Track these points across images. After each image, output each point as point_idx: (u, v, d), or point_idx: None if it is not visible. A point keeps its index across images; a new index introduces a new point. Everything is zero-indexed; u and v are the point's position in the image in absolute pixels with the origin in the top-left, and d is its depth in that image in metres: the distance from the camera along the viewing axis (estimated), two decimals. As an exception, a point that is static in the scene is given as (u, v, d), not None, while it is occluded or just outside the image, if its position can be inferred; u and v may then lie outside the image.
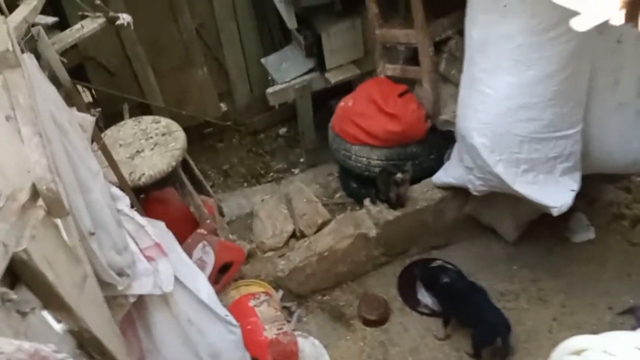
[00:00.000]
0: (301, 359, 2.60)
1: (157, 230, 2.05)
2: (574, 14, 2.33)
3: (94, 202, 1.69)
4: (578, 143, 2.67)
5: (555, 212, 2.64)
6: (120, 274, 1.81)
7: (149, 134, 2.78)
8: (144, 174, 2.56)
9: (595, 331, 2.84)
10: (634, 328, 2.82)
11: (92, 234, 1.64)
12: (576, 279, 3.14)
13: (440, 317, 3.00)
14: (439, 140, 3.33)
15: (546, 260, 3.27)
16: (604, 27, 2.49)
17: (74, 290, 1.39)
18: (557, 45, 2.40)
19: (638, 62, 2.52)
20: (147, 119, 2.93)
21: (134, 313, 2.04)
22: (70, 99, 2.28)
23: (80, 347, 1.47)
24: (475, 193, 2.95)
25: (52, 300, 1.30)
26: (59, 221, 1.38)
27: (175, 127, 2.83)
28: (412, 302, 3.14)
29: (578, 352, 1.03)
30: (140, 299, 1.97)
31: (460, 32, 2.99)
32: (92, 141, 2.32)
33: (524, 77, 2.51)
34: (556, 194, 2.67)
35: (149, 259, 1.95)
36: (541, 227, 3.35)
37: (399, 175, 3.02)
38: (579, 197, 2.81)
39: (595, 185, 3.53)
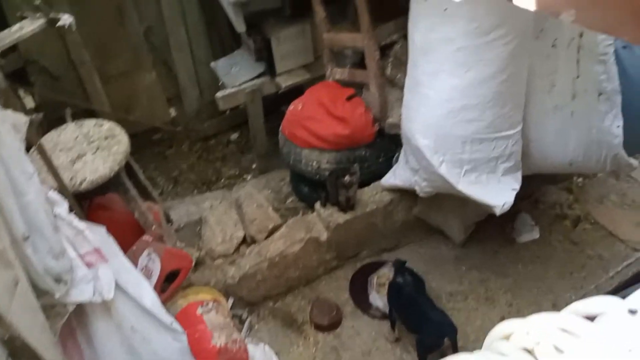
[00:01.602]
0: (251, 366, 2.57)
1: (97, 235, 2.00)
2: (511, 17, 2.42)
3: (28, 205, 1.63)
4: (518, 143, 2.75)
5: (497, 211, 2.70)
6: (58, 280, 1.75)
7: (91, 137, 2.70)
8: (85, 179, 2.48)
9: (539, 328, 2.94)
10: (576, 323, 2.92)
11: (26, 237, 1.59)
12: (522, 278, 3.23)
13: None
14: (387, 144, 3.37)
15: (493, 261, 3.35)
16: (540, 32, 2.61)
17: (3, 296, 1.34)
18: (495, 48, 2.48)
19: (571, 66, 2.62)
20: (90, 122, 2.85)
21: (74, 322, 1.98)
22: (6, 102, 2.21)
23: (13, 356, 1.42)
24: (421, 194, 3.00)
25: (-21, 307, 1.24)
26: (-15, 224, 1.33)
27: (118, 130, 2.76)
28: (363, 305, 3.15)
29: (507, 337, 1.06)
30: (81, 307, 1.91)
31: (406, 37, 3.03)
32: (30, 145, 2.25)
33: (464, 80, 2.57)
34: (498, 193, 2.73)
35: (89, 264, 1.89)
36: (488, 228, 3.43)
37: (346, 177, 3.03)
38: (524, 198, 2.89)
39: (539, 187, 3.65)
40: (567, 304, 2.96)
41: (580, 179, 3.72)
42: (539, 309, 3.04)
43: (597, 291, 2.93)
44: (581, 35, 2.55)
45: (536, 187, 3.59)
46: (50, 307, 1.79)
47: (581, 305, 1.02)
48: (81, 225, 1.93)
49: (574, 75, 2.61)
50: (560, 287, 3.14)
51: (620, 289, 2.90)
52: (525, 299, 3.11)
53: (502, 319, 3.03)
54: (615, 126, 2.61)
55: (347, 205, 3.18)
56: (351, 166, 3.17)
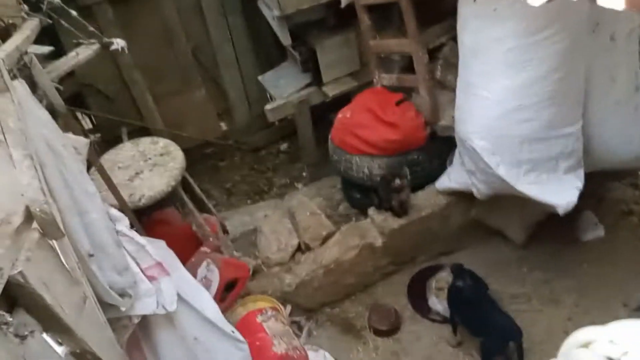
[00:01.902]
0: (312, 373, 2.57)
1: (158, 249, 2.04)
2: (562, 15, 2.36)
3: (92, 224, 1.68)
4: (579, 141, 2.65)
5: (561, 211, 2.61)
6: (122, 294, 1.80)
7: (147, 155, 2.78)
8: (143, 195, 2.55)
9: (610, 329, 2.81)
10: (650, 323, 2.78)
11: (91, 255, 1.64)
12: (588, 277, 3.10)
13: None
14: (440, 146, 3.32)
15: (557, 261, 3.23)
16: (596, 26, 2.52)
17: (73, 312, 1.38)
18: (548, 46, 2.41)
19: (632, 57, 2.53)
20: (145, 140, 2.93)
21: (139, 334, 2.02)
22: (67, 125, 2.30)
23: (83, 369, 1.46)
24: (479, 197, 2.93)
25: (52, 323, 1.29)
26: (54, 243, 1.38)
27: (173, 147, 2.83)
28: (422, 309, 3.11)
29: (586, 345, 0.99)
30: (145, 319, 1.96)
31: (454, 38, 2.99)
32: (91, 165, 2.34)
33: (518, 79, 2.51)
34: (561, 192, 2.64)
35: (151, 278, 1.94)
36: (550, 228, 3.31)
37: (397, 180, 3.00)
38: (587, 195, 2.78)
39: (602, 183, 3.50)
40: (638, 303, 2.83)
41: (645, 174, 3.54)
42: (609, 308, 2.91)
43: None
44: (641, 25, 2.45)
45: (599, 183, 3.44)
46: (116, 320, 1.84)
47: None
48: (142, 240, 1.98)
49: (636, 67, 2.51)
50: (630, 285, 2.99)
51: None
52: (593, 299, 2.97)
53: (569, 320, 2.93)
54: (682, 117, 2.49)
55: (400, 210, 3.14)
56: (402, 170, 3.14)
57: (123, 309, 1.79)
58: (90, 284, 1.64)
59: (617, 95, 2.61)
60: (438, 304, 3.03)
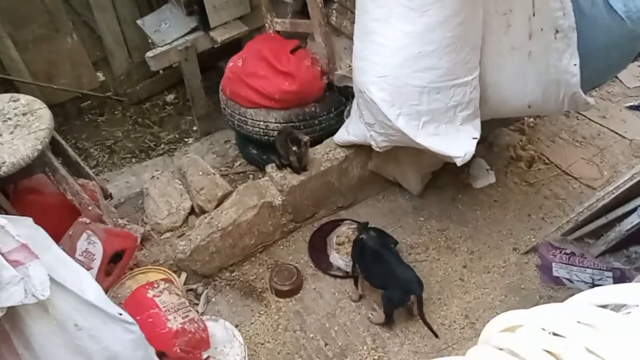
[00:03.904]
0: (212, 344, 2.41)
1: (23, 228, 1.75)
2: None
3: None
4: (476, 90, 2.63)
5: (459, 162, 2.61)
6: (-21, 287, 1.53)
7: (7, 114, 2.37)
8: (4, 163, 2.18)
9: (503, 273, 2.92)
10: (537, 266, 2.93)
11: None
12: (481, 224, 3.20)
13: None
14: (338, 97, 3.20)
15: (451, 209, 3.30)
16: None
17: None
18: (450, -12, 2.32)
19: (526, 3, 2.49)
20: (3, 97, 2.51)
21: (6, 327, 1.75)
22: None
23: None
24: (377, 149, 2.86)
25: None
26: None
27: (38, 104, 2.44)
28: (324, 266, 3.05)
29: (512, 329, 0.91)
30: (13, 310, 1.69)
31: (350, -20, 2.83)
32: None
33: (418, 25, 2.41)
34: (458, 143, 2.63)
35: (16, 263, 1.65)
36: (444, 176, 3.38)
37: (295, 135, 2.86)
38: (478, 142, 2.81)
39: (491, 129, 3.58)
40: (527, 246, 2.95)
41: (532, 119, 3.67)
42: (500, 253, 3.03)
43: (558, 232, 2.93)
44: (535, -30, 2.42)
45: (488, 130, 3.51)
46: (-26, 315, 1.57)
47: (599, 294, 0.87)
48: (1, 220, 1.68)
49: (529, 13, 2.49)
50: (520, 229, 3.13)
51: (578, 228, 2.92)
52: (486, 245, 3.08)
53: (464, 267, 3.01)
54: (572, 64, 2.53)
55: (299, 166, 3.01)
56: (300, 124, 2.99)
57: (-20, 303, 1.52)
58: None
59: (511, 41, 2.60)
60: (339, 259, 2.99)
